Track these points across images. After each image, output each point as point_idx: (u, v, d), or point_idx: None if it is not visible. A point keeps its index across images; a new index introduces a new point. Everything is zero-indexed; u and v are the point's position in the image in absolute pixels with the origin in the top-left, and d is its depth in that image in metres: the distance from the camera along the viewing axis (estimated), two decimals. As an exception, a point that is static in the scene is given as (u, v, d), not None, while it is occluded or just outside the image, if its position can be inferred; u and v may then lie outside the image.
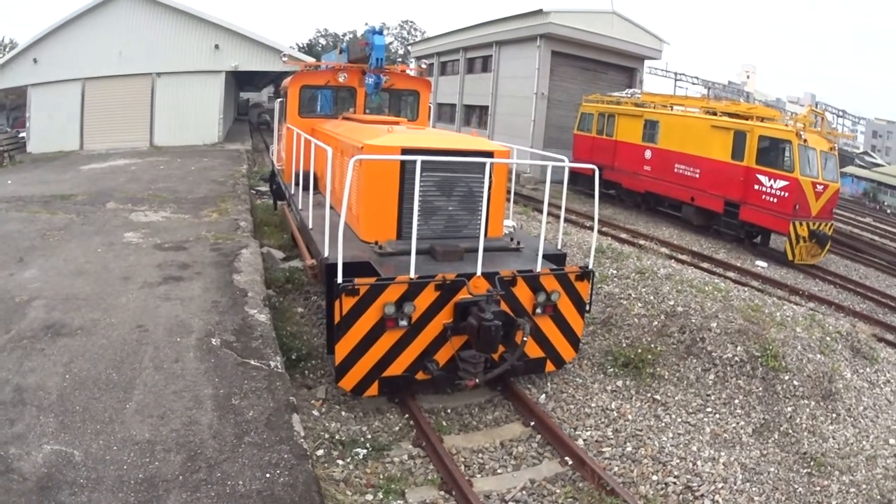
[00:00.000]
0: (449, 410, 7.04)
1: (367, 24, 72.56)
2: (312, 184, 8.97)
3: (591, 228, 16.24)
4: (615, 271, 11.17)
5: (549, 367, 7.39)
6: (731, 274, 15.06)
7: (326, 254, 6.50)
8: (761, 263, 16.94)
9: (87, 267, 8.84)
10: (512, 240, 7.92)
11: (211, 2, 29.17)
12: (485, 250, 6.70)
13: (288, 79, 12.00)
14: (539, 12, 28.48)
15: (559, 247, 7.94)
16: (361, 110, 11.87)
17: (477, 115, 34.65)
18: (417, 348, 6.29)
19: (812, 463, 6.84)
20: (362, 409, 6.93)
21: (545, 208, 7.42)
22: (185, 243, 10.15)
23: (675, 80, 47.01)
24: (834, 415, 7.78)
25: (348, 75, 11.65)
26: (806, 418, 7.62)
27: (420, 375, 6.47)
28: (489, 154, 7.39)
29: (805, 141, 16.44)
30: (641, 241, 16.83)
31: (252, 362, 6.11)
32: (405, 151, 6.82)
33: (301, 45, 46.70)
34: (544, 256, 7.34)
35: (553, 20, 27.94)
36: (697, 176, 19.48)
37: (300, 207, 9.17)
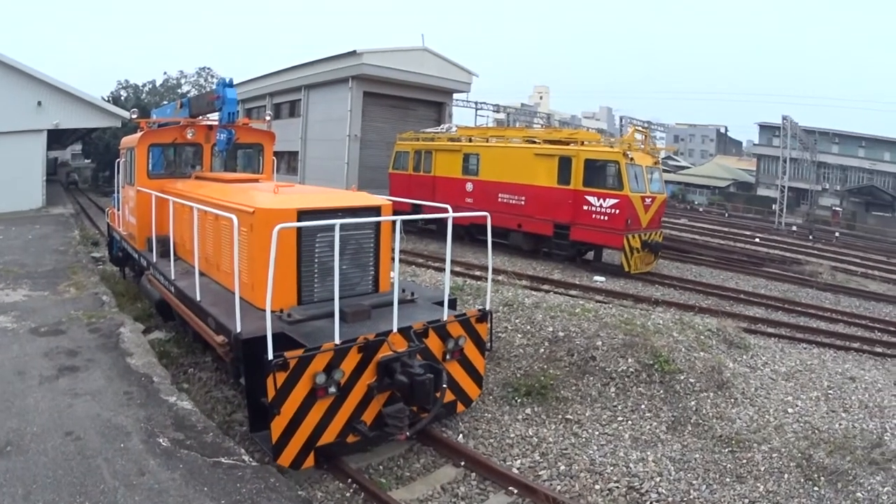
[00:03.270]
0: (378, 466, 7.92)
1: (165, 73, 76.21)
2: (173, 250, 9.86)
3: (434, 268, 17.98)
4: (481, 306, 12.55)
5: (460, 407, 8.85)
6: (573, 292, 18.04)
7: (239, 328, 7.20)
8: (599, 278, 20.54)
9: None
10: (404, 291, 9.01)
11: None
12: (384, 304, 8.17)
13: (131, 137, 12.85)
14: (353, 53, 33.06)
15: (445, 291, 9.21)
16: (209, 168, 12.99)
17: (286, 161, 38.20)
18: (346, 412, 7.30)
19: (731, 442, 8.82)
20: (295, 480, 7.47)
21: (448, 258, 8.95)
22: (61, 325, 11.25)
23: (476, 109, 53.05)
24: (732, 400, 10.03)
25: (196, 131, 12.72)
26: (710, 408, 9.75)
27: (351, 438, 7.42)
28: (378, 209, 8.88)
29: (632, 159, 20.69)
30: (486, 273, 18.83)
31: (224, 460, 6.70)
32: (301, 214, 8.06)
33: (105, 98, 47.38)
34: (437, 303, 8.95)
35: (366, 61, 32.53)
36: (523, 203, 23.20)
37: (173, 277, 9.81)
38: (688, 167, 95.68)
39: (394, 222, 7.99)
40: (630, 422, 9.40)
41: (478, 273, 18.91)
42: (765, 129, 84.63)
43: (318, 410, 6.99)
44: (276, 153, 13.96)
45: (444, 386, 7.73)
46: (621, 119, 56.06)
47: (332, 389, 6.99)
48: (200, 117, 13.19)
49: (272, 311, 7.07)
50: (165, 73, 76.57)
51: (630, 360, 10.61)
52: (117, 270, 16.95)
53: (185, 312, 9.29)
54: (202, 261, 9.08)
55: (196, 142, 12.93)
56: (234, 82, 11.74)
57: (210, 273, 9.55)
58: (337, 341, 7.02)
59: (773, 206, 64.05)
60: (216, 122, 12.33)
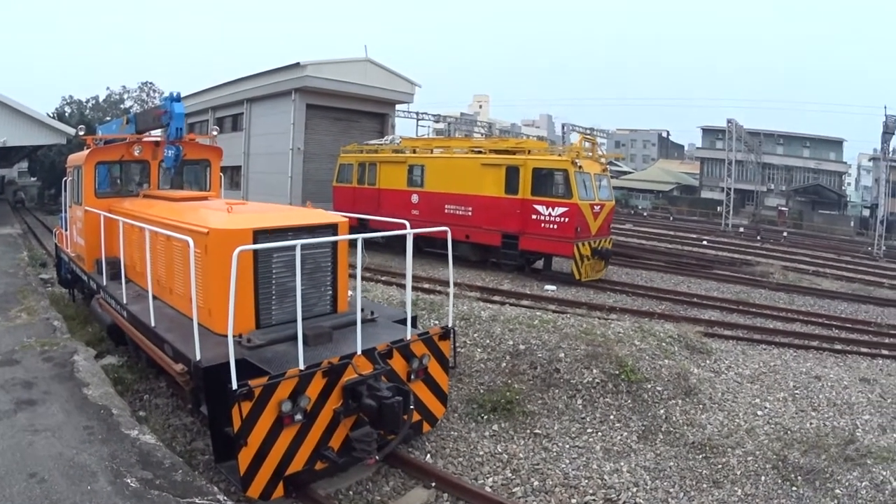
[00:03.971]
0: (348, 491, 7.87)
1: (108, 88, 75.21)
2: (124, 273, 9.79)
3: (383, 282, 17.91)
4: (438, 321, 12.74)
5: (426, 427, 8.89)
6: (525, 302, 18.28)
7: (198, 356, 7.13)
8: (550, 287, 20.87)
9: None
10: (363, 310, 8.96)
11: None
12: (344, 325, 8.26)
13: (78, 155, 12.80)
14: (296, 66, 33.55)
15: (407, 310, 9.21)
16: (156, 185, 12.96)
17: (229, 176, 37.99)
18: (314, 439, 7.26)
19: (704, 448, 9.07)
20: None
21: (408, 276, 8.94)
22: (14, 354, 11.03)
23: (417, 119, 53.91)
24: (701, 406, 10.31)
25: (143, 148, 12.71)
26: (680, 415, 10.01)
27: (319, 465, 7.37)
28: (335, 227, 8.94)
29: (580, 167, 21.18)
30: (438, 287, 18.87)
31: (198, 501, 6.51)
32: (257, 233, 8.08)
33: (51, 114, 48.80)
34: (397, 321, 9.07)
35: (309, 73, 33.07)
36: (471, 214, 23.57)
37: (125, 301, 9.73)
38: (630, 172, 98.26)
39: (355, 240, 7.98)
40: (600, 433, 9.56)
41: (427, 286, 18.95)
42: (708, 132, 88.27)
43: (285, 439, 6.95)
44: (221, 168, 13.95)
45: (412, 408, 7.78)
46: (563, 126, 57.30)
47: (299, 416, 6.97)
48: (147, 133, 13.16)
49: (226, 336, 6.98)
50: (108, 88, 77.59)
51: (595, 370, 10.80)
52: (66, 292, 16.83)
53: (140, 339, 9.16)
54: (154, 284, 8.98)
55: (143, 159, 12.96)
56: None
57: (162, 296, 9.47)
58: (301, 367, 7.00)
59: (718, 208, 66.35)
60: (163, 138, 12.30)
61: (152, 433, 8.17)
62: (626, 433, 9.56)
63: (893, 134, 41.93)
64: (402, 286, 18.23)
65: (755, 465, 8.62)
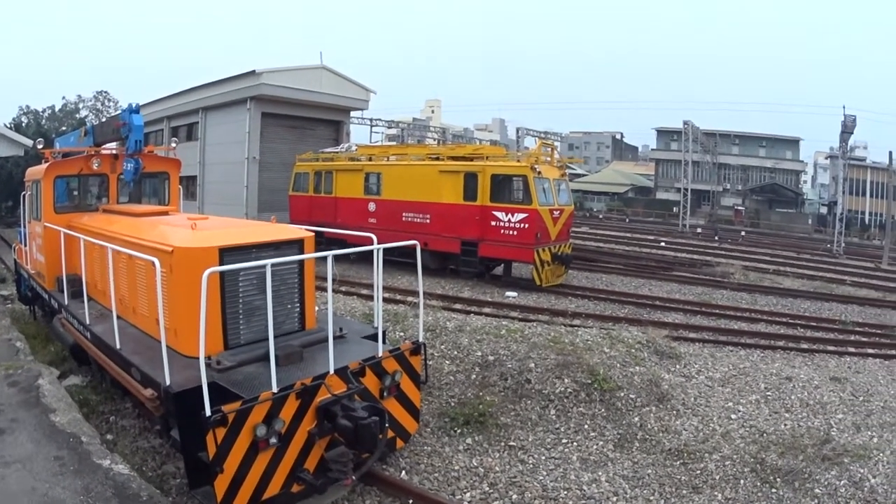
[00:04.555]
0: None
1: (63, 97, 74.35)
2: (86, 291, 9.61)
3: (343, 292, 17.84)
4: (403, 333, 12.80)
5: (399, 443, 8.92)
6: (487, 309, 18.41)
7: (168, 381, 7.04)
8: (511, 293, 21.13)
9: None
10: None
11: None
12: (314, 343, 8.29)
13: (37, 168, 12.73)
14: (251, 73, 34.05)
15: (376, 324, 9.22)
16: (115, 199, 12.87)
17: (184, 186, 38.02)
18: (289, 462, 7.23)
19: (681, 454, 9.26)
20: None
21: (378, 291, 8.97)
22: None
23: (371, 126, 54.23)
24: (675, 412, 10.51)
25: (101, 161, 12.60)
26: (654, 422, 10.19)
27: (296, 487, 7.34)
28: (301, 242, 8.95)
29: (539, 173, 21.51)
30: (398, 296, 18.88)
31: None
32: (223, 251, 8.03)
33: (8, 125, 48.13)
34: (366, 337, 9.10)
35: (265, 80, 33.62)
36: (429, 221, 23.80)
37: (88, 322, 9.57)
38: (584, 174, 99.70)
39: (324, 256, 7.99)
40: (575, 443, 9.67)
41: (387, 295, 18.90)
42: (662, 133, 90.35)
43: (261, 463, 6.92)
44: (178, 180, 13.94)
45: (387, 426, 7.78)
46: (518, 130, 58.15)
47: (274, 440, 6.94)
48: (105, 145, 13.09)
49: (194, 358, 6.92)
50: (64, 97, 77.92)
51: (566, 380, 10.92)
52: (27, 309, 16.73)
53: (105, 361, 9.02)
54: (118, 304, 8.92)
55: (102, 172, 12.86)
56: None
57: (126, 316, 9.36)
58: (274, 389, 6.97)
59: (674, 209, 67.75)
60: (121, 151, 12.25)
61: (124, 462, 8.06)
62: (601, 442, 9.69)
63: (852, 133, 43.51)
64: (364, 296, 18.32)
65: (734, 469, 8.81)
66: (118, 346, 8.49)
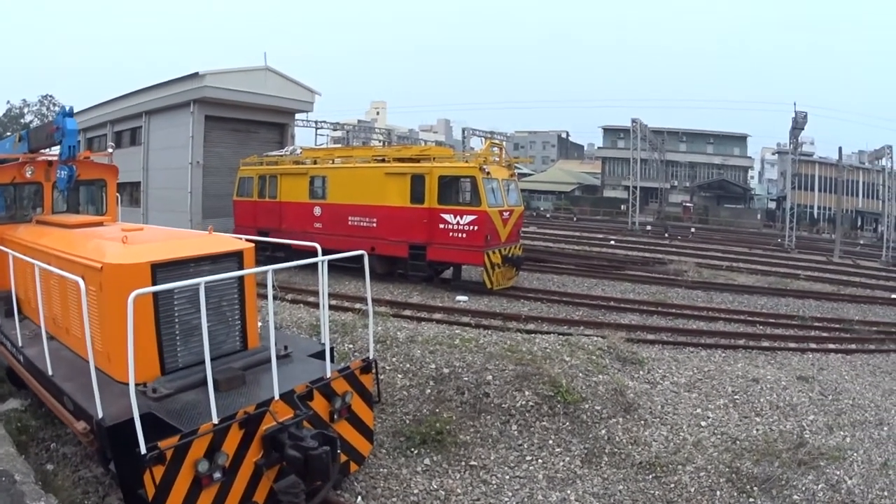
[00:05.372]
0: None
1: (8, 102, 74.06)
2: (17, 309, 9.13)
3: (295, 302, 17.29)
4: (352, 346, 12.46)
5: (353, 467, 8.47)
6: (438, 315, 18.10)
7: (100, 413, 6.55)
8: (462, 298, 20.78)
9: None
10: (276, 344, 8.47)
11: None
12: (257, 364, 7.86)
13: None
14: (195, 75, 33.70)
15: (323, 340, 8.76)
16: (50, 209, 12.41)
17: (128, 193, 38.25)
18: (236, 497, 6.81)
19: (653, 467, 9.03)
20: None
21: (325, 309, 8.71)
22: None
23: (316, 128, 53.87)
24: (642, 422, 10.29)
25: (35, 169, 12.11)
26: (622, 434, 9.96)
27: None
28: (240, 255, 8.48)
29: (488, 173, 21.27)
30: (346, 303, 18.44)
31: None
32: (156, 267, 7.52)
33: None
34: (312, 355, 8.70)
35: (208, 83, 33.36)
36: (375, 225, 23.46)
37: (20, 344, 9.11)
38: (530, 174, 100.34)
39: (264, 270, 7.54)
40: (540, 460, 9.32)
41: (334, 302, 18.44)
42: (609, 131, 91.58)
43: (205, 501, 6.49)
44: (118, 185, 13.42)
45: (339, 452, 7.37)
46: (464, 131, 58.31)
47: (218, 475, 6.50)
48: (40, 152, 12.63)
49: (135, 386, 6.44)
50: (9, 101, 78.16)
51: (527, 392, 10.58)
52: None
53: (37, 389, 8.50)
54: (49, 322, 8.40)
55: (36, 180, 12.30)
56: (75, 110, 11.23)
57: (59, 336, 8.87)
58: (215, 420, 6.51)
59: (622, 207, 68.48)
60: (55, 157, 11.79)
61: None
62: (568, 458, 9.36)
63: (803, 129, 44.50)
64: (311, 304, 17.75)
65: (709, 480, 8.58)
66: (50, 372, 7.96)
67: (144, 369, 7.23)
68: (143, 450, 5.90)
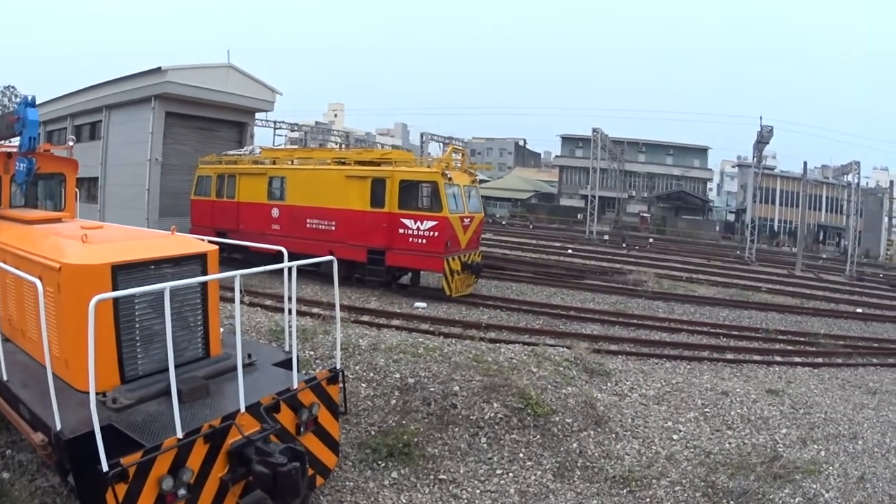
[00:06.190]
0: None
1: None
2: None
3: (253, 305, 16.97)
4: (313, 352, 12.27)
5: (319, 481, 8.24)
6: (396, 322, 17.95)
7: (59, 426, 6.24)
8: (420, 304, 20.80)
9: None
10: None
11: None
12: (220, 373, 7.67)
13: None
14: (157, 70, 33.39)
15: (287, 348, 8.65)
16: (8, 203, 11.97)
17: (86, 188, 37.62)
18: None
19: (627, 482, 9.01)
20: None
21: (293, 318, 8.58)
22: None
23: (275, 128, 53.80)
24: (614, 435, 10.29)
25: None
26: (594, 447, 9.94)
27: None
28: (204, 257, 8.22)
29: (450, 179, 21.31)
30: (304, 307, 18.13)
31: None
32: (117, 268, 7.25)
33: None
34: (276, 364, 8.53)
35: (170, 78, 33.10)
36: (334, 229, 23.44)
37: None
38: (487, 181, 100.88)
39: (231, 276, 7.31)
40: (511, 474, 9.21)
41: (271, 304, 18.20)
42: (567, 140, 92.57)
43: None
44: (77, 180, 12.96)
45: (307, 466, 7.16)
46: (422, 136, 58.55)
47: (182, 492, 6.28)
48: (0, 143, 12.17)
49: (87, 393, 6.18)
50: None
51: (496, 404, 10.48)
52: None
53: None
54: (5, 324, 8.10)
55: None
56: (37, 102, 10.79)
57: (15, 339, 8.50)
58: (179, 435, 6.28)
59: (579, 216, 69.13)
60: (14, 149, 11.39)
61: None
62: (539, 472, 9.27)
63: (768, 143, 45.40)
64: (269, 308, 17.51)
65: (684, 495, 8.57)
66: (5, 378, 7.63)
67: (103, 377, 6.95)
68: (104, 467, 5.67)
